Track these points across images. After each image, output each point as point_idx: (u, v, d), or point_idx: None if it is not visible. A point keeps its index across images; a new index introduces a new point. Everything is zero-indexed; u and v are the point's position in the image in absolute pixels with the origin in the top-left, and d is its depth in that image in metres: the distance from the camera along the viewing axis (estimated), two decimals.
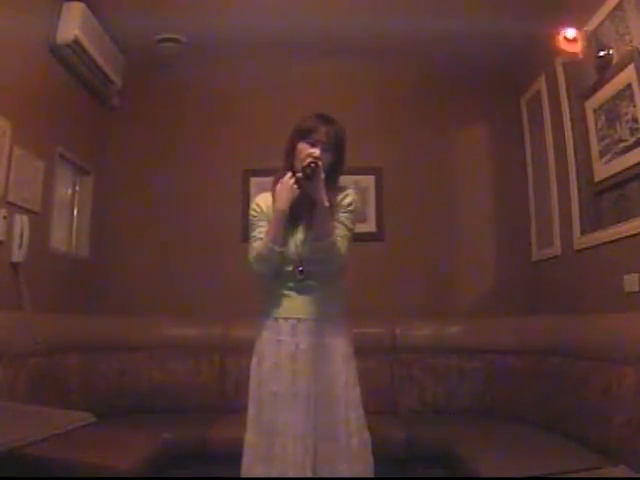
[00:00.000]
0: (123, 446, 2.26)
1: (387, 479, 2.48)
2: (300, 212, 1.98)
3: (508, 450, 2.28)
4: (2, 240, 2.59)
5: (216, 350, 3.19)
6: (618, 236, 2.50)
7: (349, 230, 1.99)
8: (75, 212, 3.59)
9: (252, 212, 2.07)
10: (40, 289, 2.87)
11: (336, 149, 1.97)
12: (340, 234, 1.94)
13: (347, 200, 2.00)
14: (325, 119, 1.98)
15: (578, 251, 2.92)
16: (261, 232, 1.99)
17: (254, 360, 2.00)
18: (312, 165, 1.84)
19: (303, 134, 1.95)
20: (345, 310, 2.06)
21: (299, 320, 1.95)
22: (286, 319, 1.96)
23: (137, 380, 3.10)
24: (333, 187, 1.96)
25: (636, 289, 2.36)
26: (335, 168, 1.97)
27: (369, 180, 3.75)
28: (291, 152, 1.98)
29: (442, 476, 2.55)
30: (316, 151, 1.89)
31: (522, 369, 2.94)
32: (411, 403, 3.10)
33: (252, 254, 1.99)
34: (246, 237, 3.65)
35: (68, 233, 3.52)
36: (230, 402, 3.08)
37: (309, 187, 1.88)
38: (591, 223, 2.79)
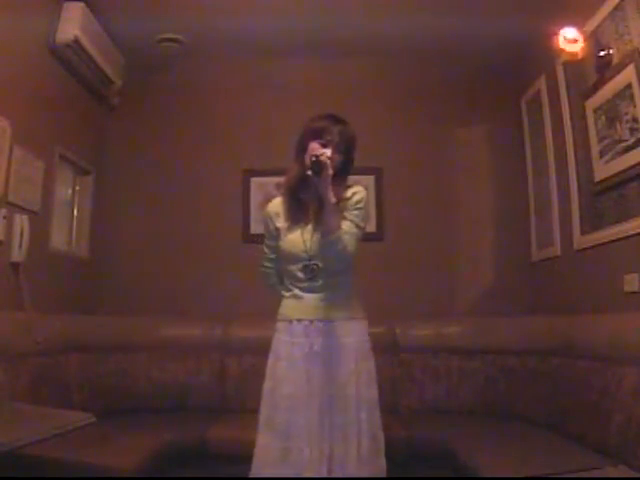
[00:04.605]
0: (123, 446, 2.26)
1: (387, 479, 2.48)
2: (308, 210, 1.99)
3: (508, 450, 2.28)
4: (2, 240, 2.59)
5: (216, 350, 3.19)
6: (618, 236, 2.50)
7: (357, 227, 1.98)
8: (75, 212, 3.59)
9: (263, 220, 2.15)
10: (40, 289, 2.87)
11: (346, 149, 1.99)
12: (348, 231, 1.94)
13: (356, 197, 2.00)
14: (336, 119, 2.00)
15: (578, 251, 2.92)
16: (265, 244, 2.14)
17: (270, 360, 2.00)
18: (320, 159, 1.83)
19: (315, 134, 1.96)
20: (360, 308, 2.05)
21: (312, 321, 1.95)
22: (299, 320, 1.96)
23: (137, 380, 3.10)
24: (342, 185, 1.97)
25: (636, 289, 2.37)
26: (344, 167, 1.98)
27: (369, 180, 3.74)
28: (302, 151, 1.98)
29: (442, 476, 2.55)
30: (327, 152, 1.87)
31: (522, 369, 2.94)
32: (411, 403, 3.10)
33: (261, 262, 2.17)
34: (246, 237, 3.70)
35: (68, 233, 3.52)
36: (230, 402, 3.08)
37: (316, 182, 1.87)
38: (591, 223, 2.79)
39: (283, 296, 2.06)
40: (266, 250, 2.13)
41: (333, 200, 1.88)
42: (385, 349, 3.20)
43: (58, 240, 3.31)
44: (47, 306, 2.91)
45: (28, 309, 2.71)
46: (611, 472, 1.88)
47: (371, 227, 3.72)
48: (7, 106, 2.57)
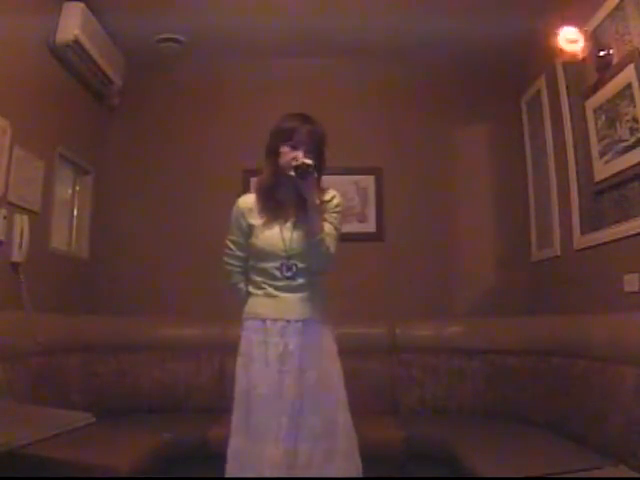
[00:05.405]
0: (123, 446, 2.26)
1: (387, 479, 2.48)
2: (288, 209, 1.99)
3: (508, 450, 2.29)
4: (2, 240, 2.59)
5: (216, 350, 3.19)
6: (618, 236, 2.50)
7: (336, 230, 2.01)
8: (75, 212, 3.59)
9: (232, 213, 2.09)
10: (40, 289, 2.87)
11: (317, 149, 1.97)
12: (329, 232, 1.96)
13: (335, 201, 2.03)
14: (304, 119, 1.98)
15: (578, 251, 2.92)
16: (230, 239, 2.07)
17: (239, 362, 1.97)
18: (306, 164, 1.85)
19: (284, 136, 1.96)
20: (327, 310, 2.06)
21: (288, 321, 1.94)
22: (274, 320, 1.94)
23: (137, 380, 3.10)
24: (318, 186, 1.97)
25: (636, 289, 2.36)
26: (317, 167, 1.95)
27: (369, 180, 3.76)
28: (273, 153, 1.99)
29: (442, 476, 2.55)
30: (299, 154, 1.90)
31: (522, 369, 2.94)
32: (411, 403, 3.10)
33: (224, 258, 2.11)
34: None
35: (68, 233, 3.52)
36: (230, 402, 3.05)
37: (301, 186, 1.89)
38: (591, 223, 2.79)
39: (251, 294, 2.03)
40: (232, 247, 2.07)
41: (317, 202, 1.91)
42: (385, 349, 3.22)
43: (58, 240, 3.31)
44: (47, 306, 2.91)
45: (28, 309, 2.70)
46: (611, 472, 1.89)
47: (371, 227, 3.73)
48: (7, 106, 2.57)
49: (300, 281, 1.97)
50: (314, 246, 1.93)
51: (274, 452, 1.80)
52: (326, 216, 1.98)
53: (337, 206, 2.03)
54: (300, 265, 1.96)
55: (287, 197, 1.99)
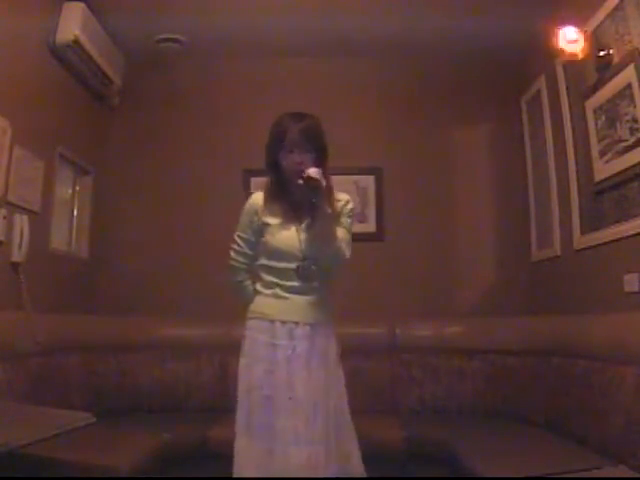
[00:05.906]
0: (123, 446, 2.26)
1: (387, 479, 2.48)
2: (301, 211, 1.97)
3: (508, 450, 2.29)
4: (2, 240, 2.59)
5: (217, 350, 3.19)
6: (618, 236, 2.50)
7: (349, 233, 2.01)
8: (75, 212, 3.58)
9: (244, 210, 2.07)
10: (40, 289, 2.86)
11: (315, 146, 1.93)
12: (344, 238, 1.96)
13: (349, 206, 2.03)
14: (297, 117, 1.95)
15: (578, 251, 2.92)
16: (240, 237, 2.04)
17: (243, 362, 1.94)
18: (318, 184, 1.82)
19: (279, 142, 1.93)
20: (333, 313, 2.06)
21: (297, 323, 1.92)
22: (283, 322, 1.92)
23: (137, 380, 3.11)
24: (329, 190, 1.93)
25: (636, 289, 2.36)
26: (320, 163, 1.91)
27: (369, 180, 3.76)
28: (274, 159, 1.96)
29: (442, 476, 2.55)
30: (295, 157, 1.89)
31: (522, 369, 2.95)
32: (411, 403, 3.10)
33: (231, 254, 2.07)
34: None
35: (68, 233, 3.52)
36: (231, 402, 3.02)
37: (311, 195, 1.87)
38: (591, 223, 2.79)
39: (258, 293, 2.00)
40: (241, 244, 2.04)
41: (329, 211, 1.89)
42: (385, 349, 3.22)
43: (58, 240, 3.31)
44: (47, 306, 2.90)
45: (28, 309, 2.70)
46: (611, 472, 1.89)
47: (371, 227, 3.73)
48: (7, 106, 2.57)
49: (313, 284, 1.96)
50: (330, 251, 1.92)
51: (285, 455, 1.78)
52: (341, 220, 1.98)
53: (351, 211, 2.04)
54: (314, 267, 1.95)
55: (299, 200, 1.96)
